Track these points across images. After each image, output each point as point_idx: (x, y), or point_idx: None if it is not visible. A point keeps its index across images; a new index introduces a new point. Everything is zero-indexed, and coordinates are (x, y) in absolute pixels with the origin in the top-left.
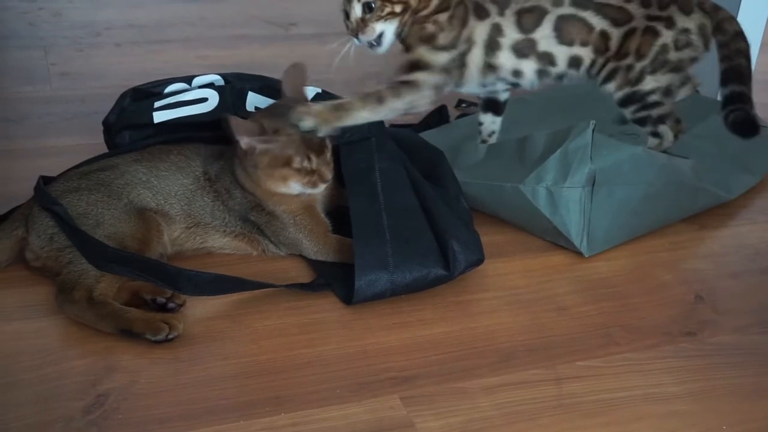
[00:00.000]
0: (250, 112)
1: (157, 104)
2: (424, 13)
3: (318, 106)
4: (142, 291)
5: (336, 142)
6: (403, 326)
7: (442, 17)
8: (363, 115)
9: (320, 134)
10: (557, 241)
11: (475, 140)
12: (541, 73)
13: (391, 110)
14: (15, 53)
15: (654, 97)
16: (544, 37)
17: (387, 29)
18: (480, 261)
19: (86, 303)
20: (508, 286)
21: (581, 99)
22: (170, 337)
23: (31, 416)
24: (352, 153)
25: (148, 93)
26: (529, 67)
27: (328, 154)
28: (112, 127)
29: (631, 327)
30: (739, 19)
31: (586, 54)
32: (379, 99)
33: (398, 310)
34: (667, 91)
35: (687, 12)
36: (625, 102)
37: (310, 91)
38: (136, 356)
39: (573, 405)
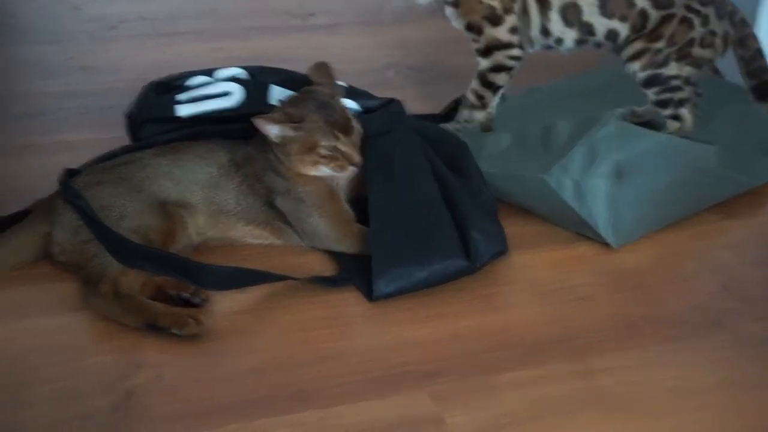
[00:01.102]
0: (274, 105)
1: (179, 97)
2: None
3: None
4: (166, 286)
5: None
6: (428, 320)
7: None
8: (474, 120)
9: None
10: (583, 231)
11: (498, 129)
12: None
13: (497, 96)
14: (33, 48)
15: (676, 82)
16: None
17: None
18: (503, 252)
19: (112, 296)
20: (534, 277)
21: (598, 89)
22: (195, 331)
23: (56, 413)
24: (374, 145)
25: (170, 86)
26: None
27: (357, 137)
28: (134, 120)
29: (657, 317)
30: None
31: (622, 29)
32: (481, 100)
33: (422, 303)
34: (687, 81)
35: (720, 16)
36: (648, 83)
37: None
38: (162, 351)
39: (601, 397)
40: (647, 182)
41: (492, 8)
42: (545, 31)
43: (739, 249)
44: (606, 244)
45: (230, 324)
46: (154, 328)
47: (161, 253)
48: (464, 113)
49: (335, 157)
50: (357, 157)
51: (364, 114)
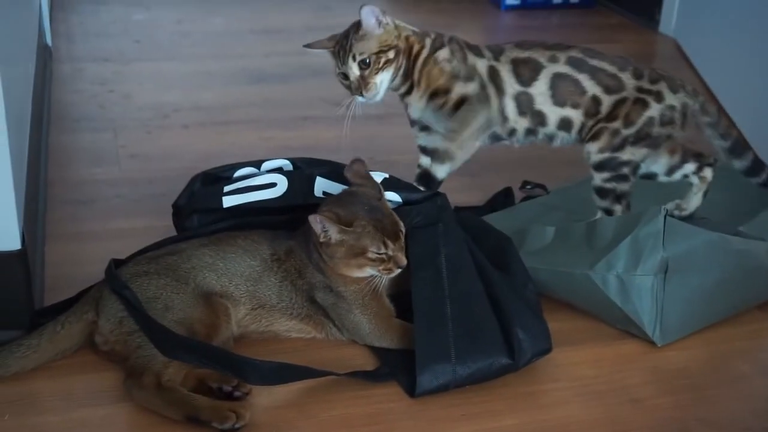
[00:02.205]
0: (319, 197)
1: (226, 188)
2: (424, 54)
3: None
4: (208, 379)
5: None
6: (471, 418)
7: (445, 53)
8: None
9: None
10: (629, 329)
11: (542, 223)
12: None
13: (471, 146)
14: (85, 135)
15: (626, 170)
16: (540, 93)
17: (384, 78)
18: (548, 350)
19: (155, 388)
20: (579, 376)
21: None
22: (237, 426)
23: None
24: (418, 238)
25: (218, 177)
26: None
27: (403, 240)
28: (181, 211)
29: (710, 421)
30: None
31: (576, 116)
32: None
33: (466, 400)
34: (636, 169)
35: (674, 90)
36: (600, 166)
37: (377, 176)
38: None
39: None
40: (695, 280)
41: (456, 68)
42: (504, 118)
43: None
44: (652, 342)
45: (271, 418)
46: (196, 420)
47: (205, 346)
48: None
49: (383, 260)
50: (404, 261)
51: (408, 205)
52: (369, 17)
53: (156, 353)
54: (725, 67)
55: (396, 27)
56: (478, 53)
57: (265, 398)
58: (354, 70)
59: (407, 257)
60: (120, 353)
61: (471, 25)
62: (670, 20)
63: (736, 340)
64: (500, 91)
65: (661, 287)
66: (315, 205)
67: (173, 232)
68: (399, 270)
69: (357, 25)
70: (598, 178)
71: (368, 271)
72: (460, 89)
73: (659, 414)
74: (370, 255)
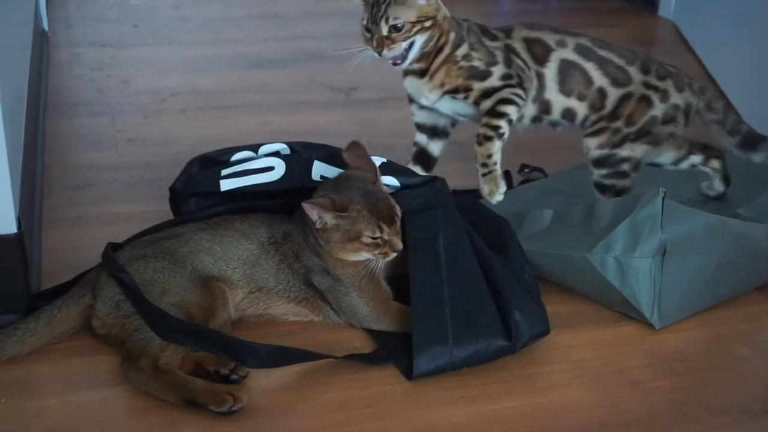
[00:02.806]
0: (317, 181)
1: (224, 172)
2: (446, 51)
3: (482, 184)
4: (205, 362)
5: (402, 210)
6: (469, 400)
7: (463, 50)
8: (496, 153)
9: (498, 199)
10: (627, 311)
11: (541, 207)
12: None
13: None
14: (83, 120)
15: (625, 167)
16: (550, 78)
17: (417, 40)
18: (545, 332)
19: (151, 371)
20: (577, 358)
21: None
22: (234, 408)
23: None
24: (416, 222)
25: (216, 161)
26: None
27: (399, 224)
28: (178, 194)
29: (708, 404)
30: None
31: (580, 108)
32: (496, 131)
33: (464, 383)
34: (637, 165)
35: (679, 88)
36: (600, 162)
37: (376, 160)
38: (200, 428)
39: None
40: (694, 263)
41: (472, 67)
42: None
43: None
44: (651, 325)
45: (269, 401)
46: (193, 404)
47: (202, 329)
48: (479, 149)
49: (378, 245)
50: (400, 245)
51: (407, 189)
52: None
53: (153, 336)
54: (724, 50)
55: (437, 3)
56: (492, 37)
57: (262, 381)
58: (382, 31)
59: (405, 241)
60: (117, 337)
61: (470, 9)
62: (669, 4)
63: (735, 322)
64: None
65: (659, 269)
66: (312, 188)
67: (171, 217)
68: (395, 254)
69: None
70: (597, 174)
71: (364, 255)
72: (479, 86)
73: (657, 396)
74: (365, 239)
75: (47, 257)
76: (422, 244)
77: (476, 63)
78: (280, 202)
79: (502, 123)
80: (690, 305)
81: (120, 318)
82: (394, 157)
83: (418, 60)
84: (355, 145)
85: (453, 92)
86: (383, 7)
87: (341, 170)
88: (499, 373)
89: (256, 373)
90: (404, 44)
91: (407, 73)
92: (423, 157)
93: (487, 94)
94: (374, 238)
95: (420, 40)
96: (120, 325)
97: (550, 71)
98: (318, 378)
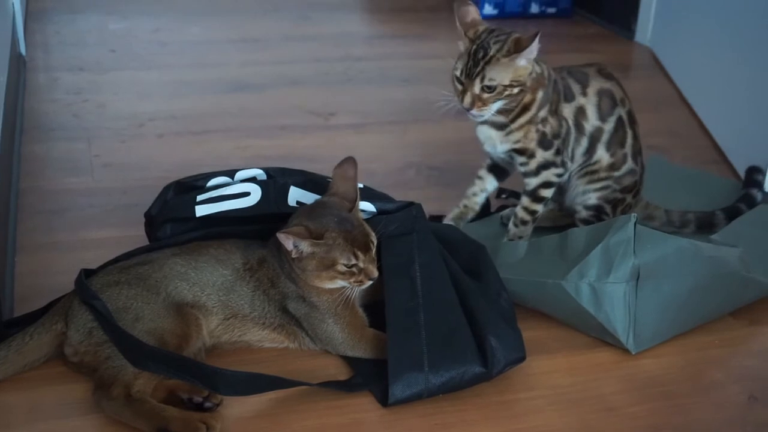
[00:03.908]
0: (293, 206)
1: (199, 198)
2: (532, 111)
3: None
4: (178, 390)
5: (378, 236)
6: (445, 427)
7: (544, 113)
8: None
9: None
10: (603, 337)
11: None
12: None
13: (538, 217)
14: (59, 144)
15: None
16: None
17: (498, 105)
18: (521, 359)
19: (124, 400)
20: (553, 384)
21: None
22: None
23: None
24: (392, 247)
25: (191, 186)
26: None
27: (374, 251)
28: (154, 220)
29: (683, 429)
30: None
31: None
32: (533, 215)
33: (440, 409)
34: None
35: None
36: (592, 209)
37: None
38: None
39: None
40: (668, 287)
41: (544, 134)
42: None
43: (765, 357)
44: (626, 350)
45: (243, 429)
46: None
47: (175, 357)
48: (515, 230)
49: (353, 273)
50: (375, 273)
51: (382, 215)
52: (533, 50)
53: (126, 364)
54: (701, 76)
55: (533, 68)
56: (570, 97)
57: (237, 409)
58: (475, 90)
59: (380, 267)
60: (89, 364)
61: (449, 35)
62: (646, 30)
63: (710, 347)
64: (580, 133)
65: (633, 294)
66: (288, 214)
67: (146, 242)
68: (370, 282)
69: (504, 43)
70: (585, 215)
71: (339, 283)
72: (540, 156)
73: (634, 422)
74: (340, 268)
75: (20, 282)
76: (398, 269)
77: (548, 130)
78: (256, 227)
79: (540, 207)
80: (665, 330)
81: (92, 345)
82: (372, 183)
83: (499, 114)
84: (348, 162)
85: (519, 153)
86: (482, 63)
87: (317, 196)
88: (476, 400)
89: (230, 400)
90: (493, 107)
91: (484, 123)
92: (496, 168)
93: (539, 169)
94: (349, 267)
95: (500, 102)
96: (92, 352)
97: (608, 126)
98: (293, 405)
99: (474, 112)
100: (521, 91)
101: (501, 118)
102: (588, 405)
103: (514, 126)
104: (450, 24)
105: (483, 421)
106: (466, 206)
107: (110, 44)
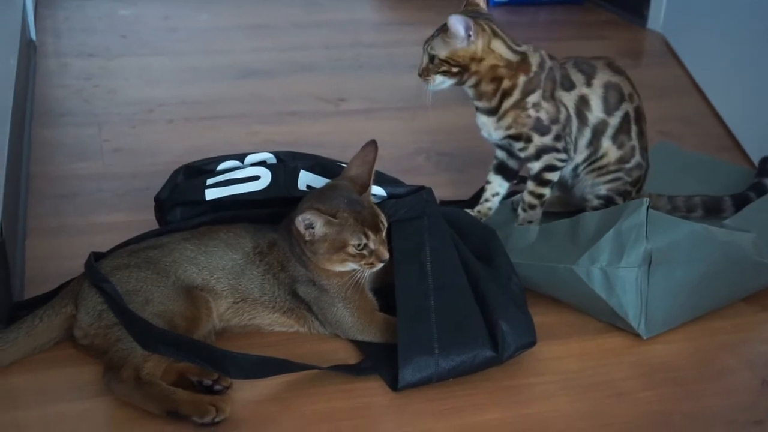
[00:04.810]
0: (302, 190)
1: (209, 181)
2: (515, 96)
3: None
4: (188, 372)
5: (389, 220)
6: (455, 411)
7: (536, 97)
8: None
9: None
10: (614, 322)
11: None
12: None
13: (546, 200)
14: (69, 130)
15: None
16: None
17: (443, 81)
18: (532, 343)
19: (134, 382)
20: (564, 369)
21: None
22: (217, 420)
23: None
24: (402, 231)
25: (201, 170)
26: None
27: (384, 233)
28: (163, 204)
29: (694, 415)
30: None
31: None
32: (540, 199)
33: (449, 394)
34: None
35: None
36: (601, 198)
37: None
38: None
39: None
40: (680, 272)
41: (539, 119)
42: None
43: None
44: (638, 335)
45: (252, 413)
46: (176, 415)
47: (185, 340)
48: (524, 215)
49: (363, 255)
50: (386, 255)
51: (392, 199)
52: (457, 26)
53: (135, 347)
54: (713, 62)
55: (489, 50)
56: (570, 86)
57: (246, 392)
58: (424, 59)
59: (391, 251)
60: (99, 347)
61: None
62: (658, 16)
63: (722, 333)
64: (582, 123)
65: (645, 279)
66: (298, 198)
67: (156, 227)
68: (381, 264)
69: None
70: (596, 202)
71: (350, 266)
72: (538, 141)
73: (644, 408)
74: (350, 250)
75: (31, 266)
76: (408, 253)
77: (543, 115)
78: (266, 211)
79: (546, 191)
80: (677, 315)
81: (102, 328)
82: (382, 168)
83: (479, 99)
84: (369, 146)
85: (515, 138)
86: (431, 36)
87: (327, 180)
88: (486, 384)
89: (239, 383)
90: (436, 80)
91: (477, 109)
92: (503, 168)
93: (539, 153)
94: (360, 248)
95: (448, 82)
96: (102, 335)
97: (614, 120)
98: (303, 389)
99: (423, 81)
100: (461, 71)
101: (484, 103)
102: (599, 390)
103: (501, 110)
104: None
105: (493, 406)
106: (479, 212)
107: (120, 30)
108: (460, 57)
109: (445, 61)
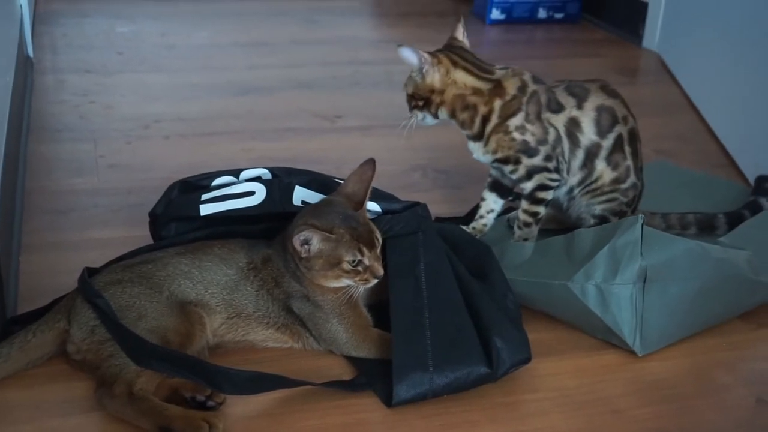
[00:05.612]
0: (297, 206)
1: (204, 197)
2: (494, 121)
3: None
4: (181, 388)
5: (384, 235)
6: (449, 428)
7: (518, 120)
8: (534, 236)
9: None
10: (609, 339)
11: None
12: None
13: (541, 218)
14: (66, 146)
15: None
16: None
17: (426, 117)
18: (527, 360)
19: (126, 398)
20: (559, 386)
21: None
22: None
23: None
24: (397, 246)
25: (196, 186)
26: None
27: (379, 249)
28: (158, 219)
29: None
30: None
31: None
32: (534, 217)
33: (444, 410)
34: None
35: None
36: (597, 217)
37: None
38: None
39: None
40: (675, 289)
41: (525, 141)
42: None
43: None
44: (633, 353)
45: (246, 429)
46: (168, 431)
47: (178, 355)
48: (519, 233)
49: (358, 271)
50: (380, 271)
51: (388, 214)
52: (409, 57)
53: (128, 362)
54: (708, 81)
55: (450, 81)
56: (558, 108)
57: (239, 408)
58: (405, 95)
59: (385, 266)
60: (92, 362)
61: None
62: (653, 35)
63: (718, 350)
64: (574, 144)
65: (640, 296)
66: (293, 213)
67: (151, 242)
68: (376, 280)
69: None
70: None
71: (345, 282)
72: (528, 162)
73: (640, 425)
74: (345, 266)
75: (25, 281)
76: (403, 268)
77: (528, 137)
78: (261, 226)
79: (540, 209)
80: (673, 332)
81: (95, 343)
82: (379, 184)
83: (462, 127)
84: (368, 164)
85: (503, 162)
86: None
87: (322, 195)
88: (480, 401)
89: (233, 399)
90: (419, 114)
91: (466, 136)
92: (497, 186)
93: (530, 173)
94: (354, 264)
95: (428, 115)
96: (95, 350)
97: (607, 142)
98: (296, 405)
99: (411, 116)
100: (426, 104)
101: (467, 131)
102: (594, 407)
103: (485, 134)
104: None
105: (487, 423)
106: (474, 228)
107: (117, 47)
108: (421, 90)
109: (412, 96)
